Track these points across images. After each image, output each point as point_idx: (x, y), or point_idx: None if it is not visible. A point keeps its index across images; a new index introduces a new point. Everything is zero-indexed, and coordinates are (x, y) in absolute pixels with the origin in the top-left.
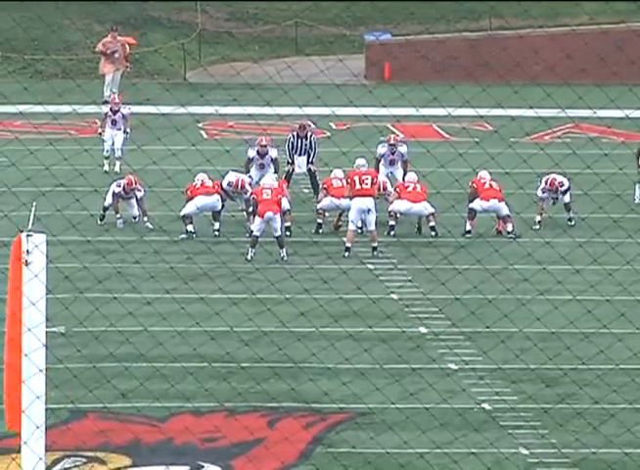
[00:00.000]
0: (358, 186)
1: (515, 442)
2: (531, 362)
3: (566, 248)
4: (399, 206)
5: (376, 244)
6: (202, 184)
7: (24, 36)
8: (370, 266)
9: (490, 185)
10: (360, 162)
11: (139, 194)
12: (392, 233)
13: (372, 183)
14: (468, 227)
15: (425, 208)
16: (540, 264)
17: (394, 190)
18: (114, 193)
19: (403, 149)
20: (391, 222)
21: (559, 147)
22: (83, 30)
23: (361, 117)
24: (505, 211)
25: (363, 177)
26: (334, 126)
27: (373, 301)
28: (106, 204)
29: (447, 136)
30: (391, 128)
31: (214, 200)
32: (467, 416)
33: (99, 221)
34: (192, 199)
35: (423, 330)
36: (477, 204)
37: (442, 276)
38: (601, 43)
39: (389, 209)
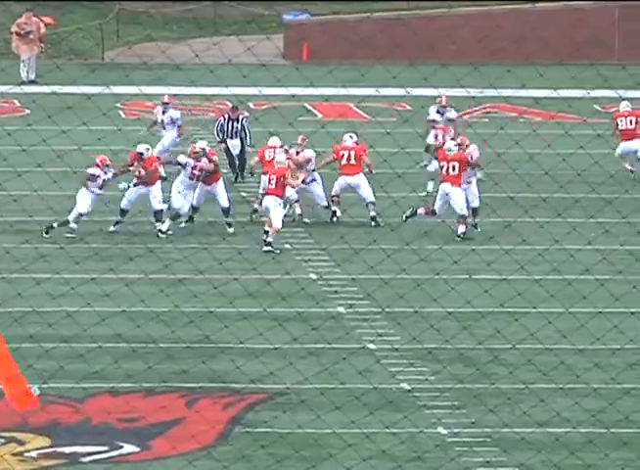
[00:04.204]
0: (267, 185)
1: (433, 421)
2: (450, 342)
3: (490, 227)
4: (337, 186)
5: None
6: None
7: None
8: (287, 246)
9: (447, 169)
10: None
11: (109, 175)
12: (334, 219)
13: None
14: (419, 210)
15: (359, 181)
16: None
17: (332, 153)
18: (91, 175)
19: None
20: (334, 208)
21: (480, 126)
22: (4, 11)
23: (280, 97)
24: (454, 200)
25: (270, 176)
26: (252, 106)
27: (290, 277)
28: (82, 211)
29: (367, 116)
30: (310, 108)
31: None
32: (385, 395)
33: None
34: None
35: (341, 310)
36: (437, 198)
37: (365, 258)
38: (515, 24)
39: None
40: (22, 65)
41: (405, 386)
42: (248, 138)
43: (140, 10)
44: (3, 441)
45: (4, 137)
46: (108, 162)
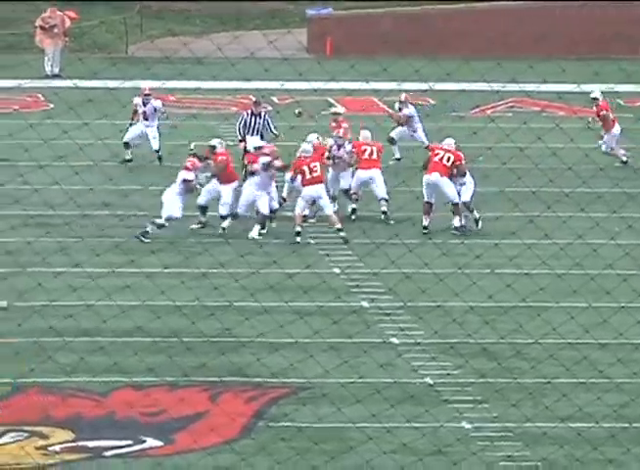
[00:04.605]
0: (308, 176)
1: (455, 415)
2: (472, 337)
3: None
4: (355, 183)
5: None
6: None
7: None
8: (309, 240)
9: (440, 158)
10: (307, 146)
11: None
12: (354, 217)
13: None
14: (424, 223)
15: (374, 176)
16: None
17: (352, 149)
18: (187, 181)
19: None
20: (353, 205)
21: (503, 121)
22: (27, 11)
23: (303, 91)
24: (444, 189)
25: (312, 165)
26: (276, 100)
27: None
28: (177, 215)
29: (391, 110)
30: (334, 102)
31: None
32: (406, 389)
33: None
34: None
35: (364, 304)
36: (424, 189)
37: (387, 252)
38: (537, 20)
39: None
40: (46, 58)
41: (428, 380)
42: (271, 131)
43: (163, 5)
44: (27, 434)
45: (26, 130)
46: (198, 164)
